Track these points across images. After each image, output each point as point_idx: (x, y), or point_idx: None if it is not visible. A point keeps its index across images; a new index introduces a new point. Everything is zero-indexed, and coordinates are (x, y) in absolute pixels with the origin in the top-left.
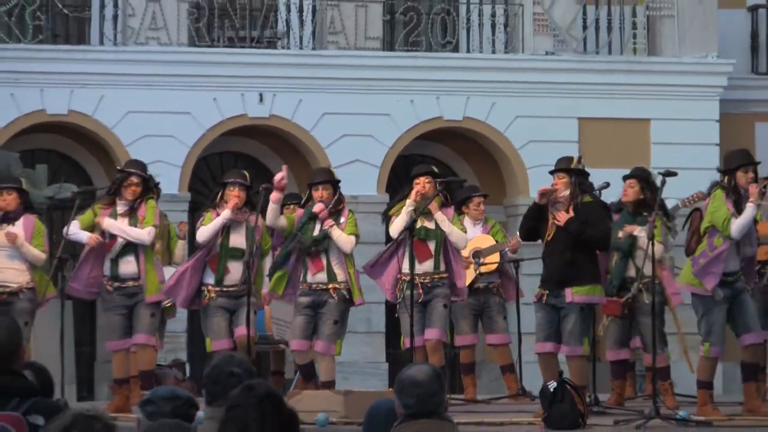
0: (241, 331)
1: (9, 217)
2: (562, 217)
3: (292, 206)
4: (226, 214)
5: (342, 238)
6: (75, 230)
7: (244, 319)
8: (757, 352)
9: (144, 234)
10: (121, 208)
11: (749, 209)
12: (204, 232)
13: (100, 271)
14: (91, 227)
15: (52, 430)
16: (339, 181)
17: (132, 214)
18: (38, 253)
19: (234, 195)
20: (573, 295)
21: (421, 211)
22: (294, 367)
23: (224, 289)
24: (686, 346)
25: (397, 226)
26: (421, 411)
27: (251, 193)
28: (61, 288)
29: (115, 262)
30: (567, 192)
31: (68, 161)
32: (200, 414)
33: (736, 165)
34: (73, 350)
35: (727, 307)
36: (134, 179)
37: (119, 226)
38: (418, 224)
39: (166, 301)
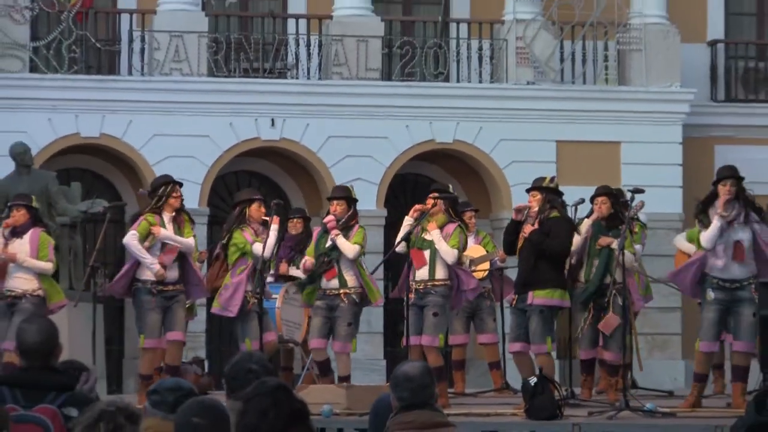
0: (270, 336)
1: (17, 232)
2: (528, 229)
3: (295, 220)
4: (276, 227)
5: (346, 245)
6: (142, 252)
7: (268, 324)
8: (747, 358)
9: (191, 242)
10: (167, 217)
11: (715, 221)
12: (269, 246)
13: (134, 273)
14: (146, 236)
15: (82, 421)
16: (355, 200)
17: (176, 223)
18: (43, 265)
19: (263, 212)
20: (534, 297)
21: (418, 223)
22: (302, 363)
23: (257, 295)
24: (638, 346)
25: (398, 239)
26: (415, 403)
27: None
28: (93, 293)
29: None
30: (537, 208)
31: (100, 179)
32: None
33: (715, 180)
34: (103, 348)
35: (724, 310)
36: (179, 189)
37: (172, 237)
38: (420, 234)
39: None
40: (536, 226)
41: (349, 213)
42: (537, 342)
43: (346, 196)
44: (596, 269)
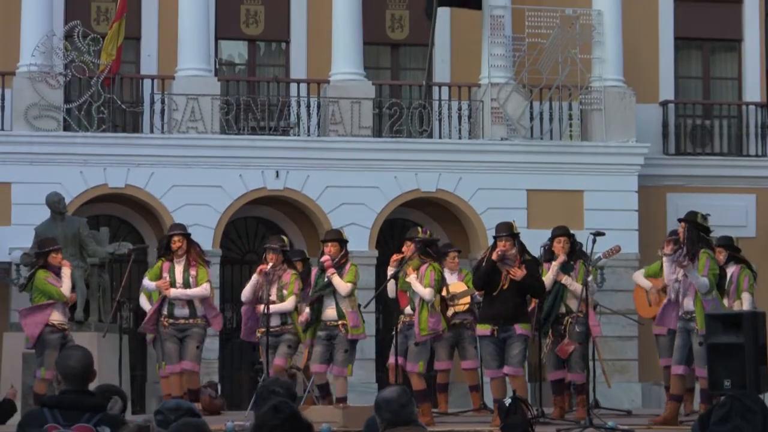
0: (277, 360)
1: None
2: (518, 273)
3: (296, 260)
4: (255, 276)
5: (340, 284)
6: (148, 284)
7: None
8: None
9: (203, 291)
10: (177, 262)
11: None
12: (244, 292)
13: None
14: (158, 277)
15: None
16: (346, 241)
17: (186, 267)
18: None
19: (270, 258)
20: (520, 328)
21: (399, 269)
22: (303, 386)
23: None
24: (604, 367)
25: (386, 284)
26: (395, 421)
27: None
28: (119, 325)
29: (171, 305)
30: (513, 251)
31: (125, 225)
32: (229, 425)
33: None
34: (128, 374)
35: (686, 337)
36: (176, 239)
37: (182, 294)
38: (402, 278)
39: None
40: (523, 270)
41: (341, 253)
42: (517, 366)
43: (337, 238)
44: (547, 301)
